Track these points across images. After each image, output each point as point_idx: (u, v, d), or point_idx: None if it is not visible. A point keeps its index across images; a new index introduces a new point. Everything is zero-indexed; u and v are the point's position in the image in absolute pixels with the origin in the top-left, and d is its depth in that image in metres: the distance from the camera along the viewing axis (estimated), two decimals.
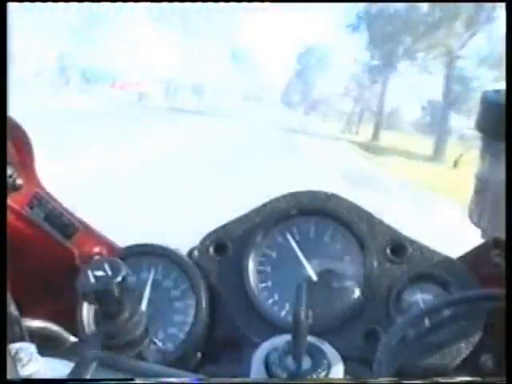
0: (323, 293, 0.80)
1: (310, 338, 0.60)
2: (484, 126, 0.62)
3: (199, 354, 0.79)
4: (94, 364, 0.48)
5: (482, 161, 0.63)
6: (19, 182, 0.78)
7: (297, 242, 0.84)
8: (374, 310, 0.79)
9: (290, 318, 0.58)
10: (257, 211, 0.86)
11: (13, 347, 0.53)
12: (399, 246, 0.82)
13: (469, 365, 0.73)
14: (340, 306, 0.79)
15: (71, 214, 0.84)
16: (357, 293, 0.79)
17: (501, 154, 0.57)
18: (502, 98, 0.57)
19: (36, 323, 0.71)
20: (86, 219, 0.86)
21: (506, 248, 0.57)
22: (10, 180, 0.76)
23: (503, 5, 0.63)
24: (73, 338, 0.76)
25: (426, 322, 0.67)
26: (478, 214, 0.64)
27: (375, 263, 0.80)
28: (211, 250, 0.85)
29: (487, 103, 0.61)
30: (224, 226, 0.86)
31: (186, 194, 5.40)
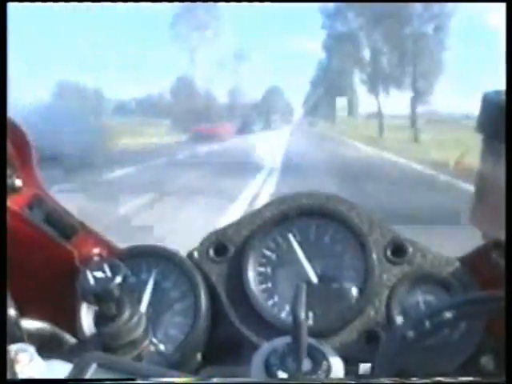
0: (323, 294, 0.80)
1: (310, 340, 0.60)
2: (485, 126, 0.62)
3: (199, 356, 0.79)
4: (94, 365, 0.48)
5: (483, 161, 0.63)
6: (19, 183, 0.78)
7: (297, 243, 0.84)
8: (375, 311, 0.79)
9: (290, 320, 0.58)
10: (257, 213, 0.86)
11: (12, 348, 0.53)
12: (400, 247, 0.81)
13: (469, 365, 0.72)
14: (340, 307, 0.79)
15: (71, 216, 0.84)
16: (357, 294, 0.79)
17: (502, 155, 0.57)
18: (503, 98, 0.57)
19: (35, 324, 0.71)
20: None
21: (505, 249, 0.56)
22: (9, 181, 0.76)
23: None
24: (72, 339, 0.76)
25: (427, 323, 0.67)
26: (479, 216, 0.64)
27: (376, 264, 0.80)
28: (211, 251, 0.85)
29: (488, 103, 0.61)
30: (224, 228, 0.86)
31: None
